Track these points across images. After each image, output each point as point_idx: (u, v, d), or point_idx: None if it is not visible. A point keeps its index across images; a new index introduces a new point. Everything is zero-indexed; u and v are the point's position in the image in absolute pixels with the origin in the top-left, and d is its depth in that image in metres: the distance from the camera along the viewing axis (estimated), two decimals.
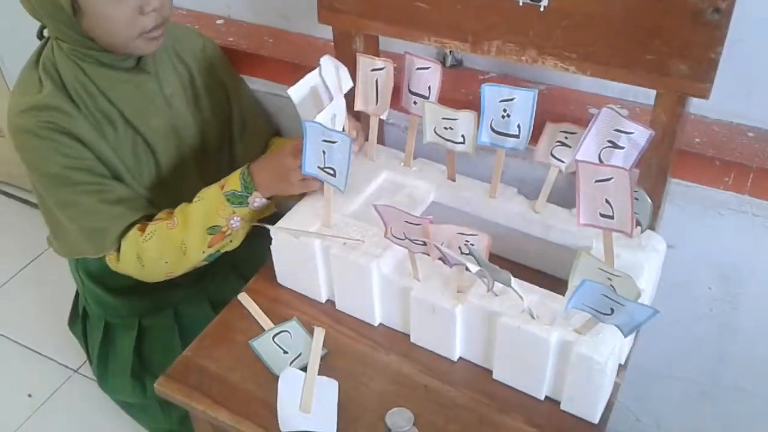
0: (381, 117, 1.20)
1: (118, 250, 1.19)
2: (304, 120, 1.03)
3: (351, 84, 1.17)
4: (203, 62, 1.32)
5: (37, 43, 1.22)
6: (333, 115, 1.09)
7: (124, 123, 1.20)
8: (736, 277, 1.22)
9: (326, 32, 1.24)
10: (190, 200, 1.18)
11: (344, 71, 1.16)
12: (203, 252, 1.18)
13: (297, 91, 1.09)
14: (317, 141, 1.02)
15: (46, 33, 1.18)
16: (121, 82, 1.18)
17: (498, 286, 0.93)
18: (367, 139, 1.24)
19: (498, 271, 0.89)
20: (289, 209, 1.17)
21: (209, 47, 1.35)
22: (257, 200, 1.15)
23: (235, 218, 1.16)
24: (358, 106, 1.20)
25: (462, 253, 0.93)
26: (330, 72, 1.13)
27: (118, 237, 1.18)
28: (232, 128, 1.36)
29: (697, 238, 1.20)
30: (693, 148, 1.11)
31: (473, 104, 1.20)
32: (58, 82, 1.15)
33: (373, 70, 1.16)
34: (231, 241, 1.20)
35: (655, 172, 1.05)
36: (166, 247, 1.17)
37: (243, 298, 1.18)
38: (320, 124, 1.02)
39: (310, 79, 1.10)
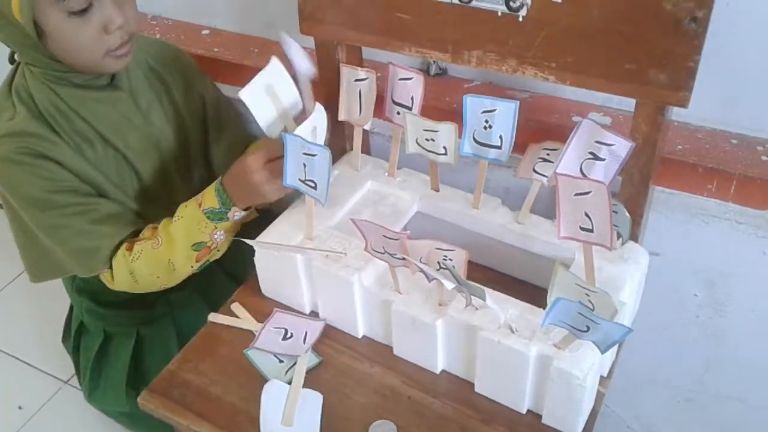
0: (365, 127, 1.20)
1: (110, 267, 1.19)
2: (284, 133, 1.03)
3: (312, 69, 1.14)
4: (176, 71, 1.31)
5: (9, 67, 1.20)
6: (314, 127, 1.08)
7: (102, 142, 1.19)
8: (721, 284, 1.21)
9: (311, 41, 1.23)
10: (176, 209, 1.18)
11: (302, 51, 1.13)
12: (191, 267, 1.18)
13: (250, 93, 1.07)
14: (298, 153, 1.02)
15: (16, 57, 1.17)
16: (95, 102, 1.17)
17: (479, 300, 0.93)
18: (351, 148, 1.24)
19: (474, 287, 0.88)
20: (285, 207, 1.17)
21: (178, 55, 1.34)
22: (237, 213, 1.14)
23: (218, 232, 1.15)
24: (341, 117, 1.20)
25: (440, 267, 0.92)
26: (277, 75, 1.11)
27: (109, 256, 1.17)
28: (209, 132, 1.35)
29: (681, 245, 1.20)
30: (676, 156, 1.10)
31: (457, 113, 1.19)
32: (32, 107, 1.14)
33: (357, 80, 1.16)
34: (218, 251, 1.20)
35: (637, 181, 1.05)
36: (154, 266, 1.17)
37: (235, 306, 1.18)
38: (300, 137, 1.01)
39: (262, 79, 1.08)
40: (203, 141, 1.36)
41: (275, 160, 1.08)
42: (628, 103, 1.16)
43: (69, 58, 1.10)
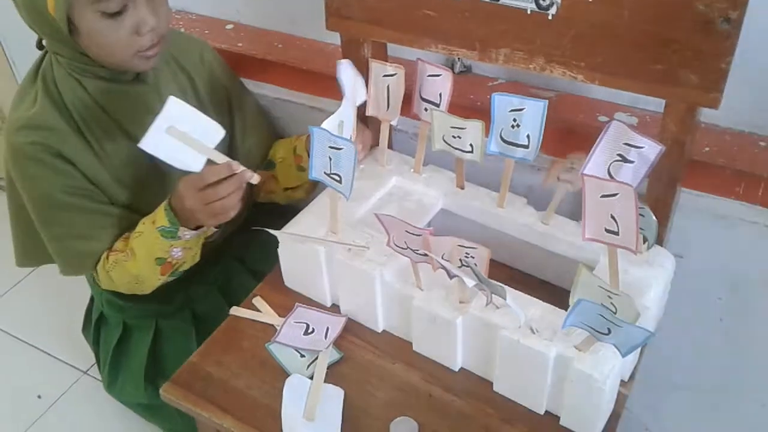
0: (391, 123, 1.20)
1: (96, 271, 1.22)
2: (311, 126, 1.03)
3: (364, 97, 1.17)
4: (204, 69, 1.31)
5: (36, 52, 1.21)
6: (340, 121, 1.08)
7: (124, 135, 1.19)
8: (746, 288, 1.20)
9: (335, 37, 1.24)
10: None
11: (360, 82, 1.16)
12: (159, 279, 1.20)
13: (150, 142, 1.04)
14: (324, 147, 1.02)
15: (45, 45, 1.18)
16: (119, 95, 1.18)
17: (500, 299, 0.92)
18: (377, 145, 1.24)
19: (495, 285, 0.88)
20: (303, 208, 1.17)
21: (208, 52, 1.34)
22: (186, 233, 1.13)
23: (174, 249, 1.16)
24: (369, 111, 1.20)
25: (462, 265, 0.92)
26: (348, 76, 1.13)
27: (94, 264, 1.21)
28: (235, 134, 1.36)
29: (706, 248, 1.19)
30: (702, 157, 1.09)
31: (481, 111, 1.19)
32: (56, 97, 1.15)
33: (385, 75, 1.16)
34: (185, 263, 1.21)
35: (664, 182, 1.04)
36: (127, 277, 1.19)
37: (257, 301, 1.18)
38: (326, 130, 1.01)
39: (160, 123, 1.03)
40: (229, 135, 1.36)
41: (207, 187, 1.05)
42: (655, 103, 1.16)
43: (99, 56, 1.11)
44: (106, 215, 1.20)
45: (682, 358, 1.34)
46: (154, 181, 1.23)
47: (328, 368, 1.06)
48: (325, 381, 1.04)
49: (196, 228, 1.14)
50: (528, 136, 1.04)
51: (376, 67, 1.16)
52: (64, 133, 1.15)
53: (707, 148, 1.10)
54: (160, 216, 1.13)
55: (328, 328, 1.10)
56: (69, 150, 1.15)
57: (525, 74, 1.26)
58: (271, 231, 1.11)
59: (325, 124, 1.04)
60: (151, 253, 1.15)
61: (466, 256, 0.91)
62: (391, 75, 1.15)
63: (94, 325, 1.50)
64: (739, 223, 1.14)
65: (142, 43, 1.09)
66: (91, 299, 1.54)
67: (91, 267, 1.22)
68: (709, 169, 1.09)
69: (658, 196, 1.05)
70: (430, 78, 1.13)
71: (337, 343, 1.10)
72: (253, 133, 1.38)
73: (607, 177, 0.94)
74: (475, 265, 0.90)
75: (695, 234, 1.18)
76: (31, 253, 1.31)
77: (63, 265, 1.24)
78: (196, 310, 1.43)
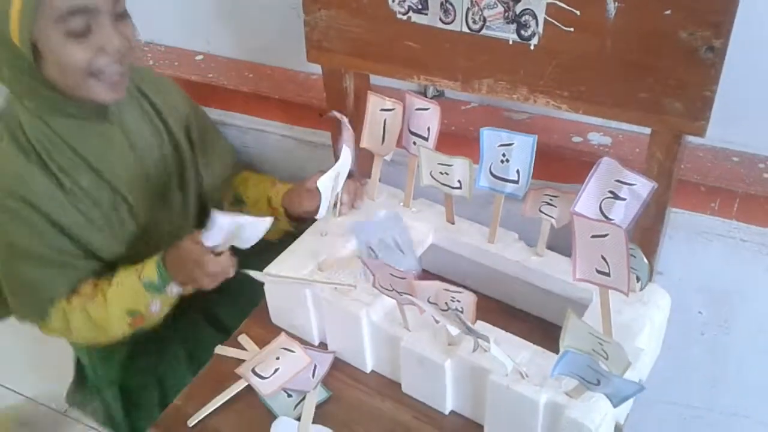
0: (385, 158, 1.18)
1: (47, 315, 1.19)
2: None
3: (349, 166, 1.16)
4: (161, 93, 1.29)
5: None
6: (337, 173, 1.09)
7: (91, 172, 1.16)
8: (726, 302, 1.21)
9: (306, 66, 1.22)
10: (172, 239, 1.16)
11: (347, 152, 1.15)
12: (123, 332, 1.18)
13: (324, 183, 1.08)
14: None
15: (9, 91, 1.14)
16: (86, 132, 1.15)
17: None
18: (368, 178, 1.22)
19: (479, 333, 0.85)
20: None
21: (160, 77, 1.32)
22: (174, 289, 1.13)
23: (155, 303, 1.14)
24: (364, 143, 1.18)
25: (448, 308, 0.90)
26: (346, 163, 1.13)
27: (47, 307, 1.18)
28: (197, 157, 1.33)
29: (685, 263, 1.20)
30: (678, 174, 1.08)
31: (455, 135, 1.21)
32: (21, 140, 1.12)
33: (383, 109, 1.14)
34: (157, 316, 1.19)
35: (653, 211, 1.02)
36: (88, 323, 1.17)
37: (242, 338, 1.16)
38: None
39: (335, 170, 1.09)
40: (193, 165, 1.33)
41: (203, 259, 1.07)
42: (628, 123, 1.15)
43: (63, 82, 1.07)
44: (65, 264, 1.16)
45: (666, 372, 1.33)
46: (125, 222, 1.21)
47: (316, 408, 1.03)
48: (313, 422, 1.01)
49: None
50: (518, 171, 1.02)
51: (374, 100, 1.14)
52: (29, 176, 1.11)
53: (682, 165, 1.09)
54: (149, 270, 1.12)
55: (315, 366, 1.08)
56: (33, 194, 1.11)
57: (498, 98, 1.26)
58: (254, 273, 1.08)
59: (324, 177, 1.06)
60: (127, 305, 1.14)
61: (452, 300, 0.89)
62: (389, 110, 1.13)
63: (95, 391, 1.44)
64: (715, 238, 1.15)
65: (100, 62, 1.05)
66: (78, 366, 1.49)
67: (43, 311, 1.18)
68: (684, 185, 1.10)
69: (647, 224, 1.04)
70: (417, 112, 1.11)
71: (326, 381, 1.07)
72: (217, 161, 1.36)
73: (599, 214, 0.91)
74: (461, 311, 0.87)
75: (674, 250, 1.19)
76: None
77: (16, 308, 1.21)
78: (193, 353, 1.38)
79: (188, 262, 1.08)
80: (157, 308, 1.15)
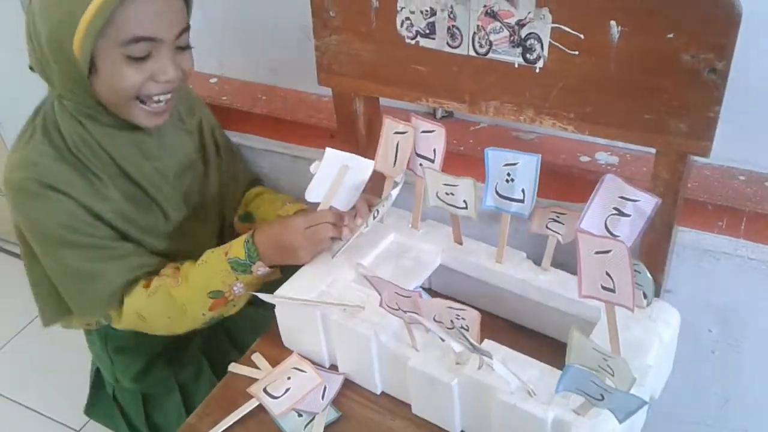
0: (395, 180, 1.19)
1: (121, 304, 1.18)
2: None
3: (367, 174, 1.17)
4: (198, 110, 1.32)
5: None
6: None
7: (123, 176, 1.18)
8: (735, 320, 1.20)
9: (318, 87, 1.24)
10: (200, 247, 1.18)
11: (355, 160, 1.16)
12: (203, 315, 1.17)
13: (330, 156, 1.13)
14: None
15: (49, 88, 1.15)
16: (121, 139, 1.16)
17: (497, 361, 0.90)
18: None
19: (483, 351, 0.86)
20: None
21: (197, 96, 1.37)
22: (261, 269, 1.14)
23: (238, 284, 1.15)
24: (377, 166, 1.18)
25: (453, 326, 0.90)
26: (360, 167, 1.15)
27: (108, 299, 1.16)
28: (222, 174, 1.36)
29: (693, 282, 1.19)
30: (685, 193, 1.08)
31: (464, 155, 1.22)
32: (54, 135, 1.13)
33: (396, 132, 1.15)
34: (234, 306, 1.19)
35: (659, 229, 1.02)
36: (168, 305, 1.16)
37: (256, 357, 1.17)
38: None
39: (344, 158, 1.14)
40: (217, 179, 1.36)
41: (313, 227, 1.11)
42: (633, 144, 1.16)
43: (110, 100, 1.09)
44: (110, 250, 1.16)
45: (676, 390, 1.32)
46: (158, 226, 1.23)
47: (326, 428, 1.03)
48: None
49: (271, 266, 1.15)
50: (523, 191, 1.03)
51: (388, 123, 1.15)
52: (57, 167, 1.12)
53: (689, 184, 1.10)
54: (236, 247, 1.14)
55: (325, 387, 1.09)
56: (64, 183, 1.11)
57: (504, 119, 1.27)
58: (263, 296, 1.09)
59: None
60: (210, 284, 1.14)
61: (457, 318, 0.90)
62: (402, 132, 1.14)
63: (113, 400, 1.45)
64: (723, 256, 1.14)
65: (150, 90, 1.08)
66: (96, 375, 1.48)
67: (104, 306, 1.17)
68: (692, 204, 1.10)
69: (653, 242, 1.04)
70: (423, 134, 1.12)
71: (336, 401, 1.08)
72: (232, 168, 1.39)
73: (605, 231, 0.92)
74: (466, 328, 0.88)
75: (682, 268, 1.19)
76: (52, 307, 1.26)
77: (75, 307, 1.20)
78: (215, 364, 1.40)
79: (286, 233, 1.11)
80: (240, 290, 1.15)
